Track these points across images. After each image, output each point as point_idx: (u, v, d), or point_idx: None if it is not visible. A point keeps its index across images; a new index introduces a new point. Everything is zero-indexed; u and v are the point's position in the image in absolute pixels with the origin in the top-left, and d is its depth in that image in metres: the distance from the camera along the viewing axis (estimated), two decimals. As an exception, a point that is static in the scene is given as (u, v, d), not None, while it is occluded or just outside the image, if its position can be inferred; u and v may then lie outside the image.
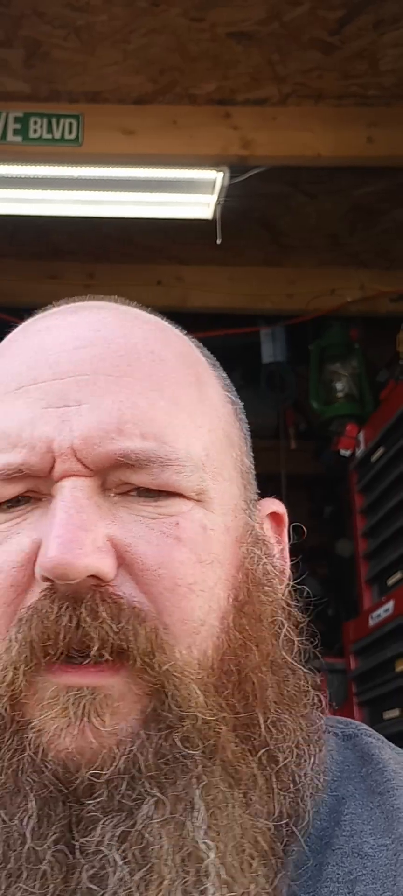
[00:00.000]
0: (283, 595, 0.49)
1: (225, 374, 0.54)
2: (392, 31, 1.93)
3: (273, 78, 2.07)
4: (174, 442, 0.44)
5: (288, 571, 0.52)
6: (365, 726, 0.52)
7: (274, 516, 0.53)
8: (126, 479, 0.44)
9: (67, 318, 0.50)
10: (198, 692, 0.41)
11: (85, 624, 0.41)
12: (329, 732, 0.51)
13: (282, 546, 0.53)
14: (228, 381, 0.54)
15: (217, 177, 2.20)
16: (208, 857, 0.39)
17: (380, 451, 2.34)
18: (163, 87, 2.10)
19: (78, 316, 0.49)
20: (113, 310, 0.51)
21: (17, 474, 0.44)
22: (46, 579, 0.42)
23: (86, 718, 0.40)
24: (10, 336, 0.51)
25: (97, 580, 0.42)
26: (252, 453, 0.53)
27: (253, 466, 0.53)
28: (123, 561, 0.43)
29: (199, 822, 0.39)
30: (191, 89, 2.10)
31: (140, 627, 0.41)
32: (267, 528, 0.52)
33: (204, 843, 0.39)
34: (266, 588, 0.47)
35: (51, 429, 0.44)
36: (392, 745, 0.51)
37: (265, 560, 0.48)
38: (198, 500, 0.45)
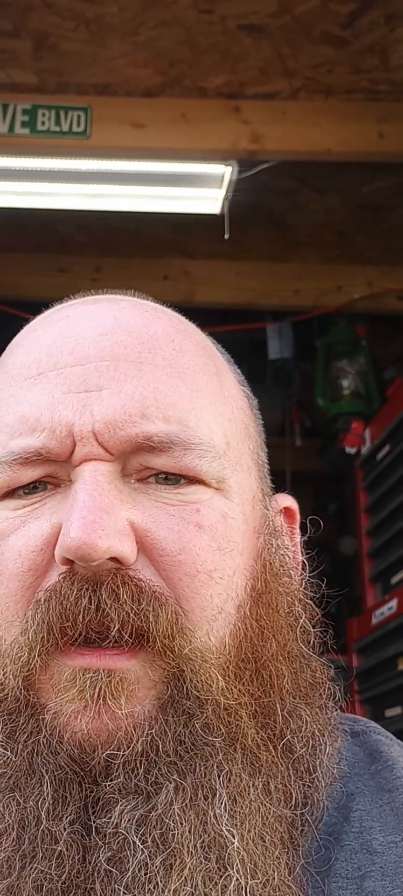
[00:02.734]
0: (299, 587, 0.49)
1: (239, 371, 0.55)
2: (404, 26, 1.91)
3: (283, 72, 2.06)
4: (197, 427, 0.45)
5: (298, 569, 0.52)
6: (374, 723, 0.52)
7: (287, 512, 0.54)
8: (147, 464, 0.44)
9: (88, 307, 0.50)
10: (219, 677, 0.41)
11: (105, 606, 0.41)
12: (337, 729, 0.50)
13: (294, 541, 0.53)
14: (243, 377, 0.55)
15: (225, 171, 2.19)
16: (232, 844, 0.39)
17: (386, 448, 2.33)
18: (173, 79, 2.09)
19: (98, 306, 0.50)
20: (131, 301, 0.52)
21: (35, 458, 0.44)
22: (66, 561, 0.42)
23: (101, 701, 0.40)
24: (30, 324, 0.52)
25: (117, 563, 0.42)
26: (265, 448, 0.54)
27: (267, 461, 0.53)
28: (143, 546, 0.43)
29: (222, 810, 0.40)
30: (200, 82, 2.09)
31: (161, 611, 0.41)
32: (280, 523, 0.53)
33: (228, 830, 0.39)
34: (283, 579, 0.47)
35: (71, 413, 0.44)
36: (401, 743, 0.51)
37: (282, 551, 0.49)
38: (218, 489, 0.45)
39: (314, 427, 3.06)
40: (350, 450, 2.60)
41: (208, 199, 2.33)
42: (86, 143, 2.12)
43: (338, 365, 2.87)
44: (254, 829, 0.40)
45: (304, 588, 0.50)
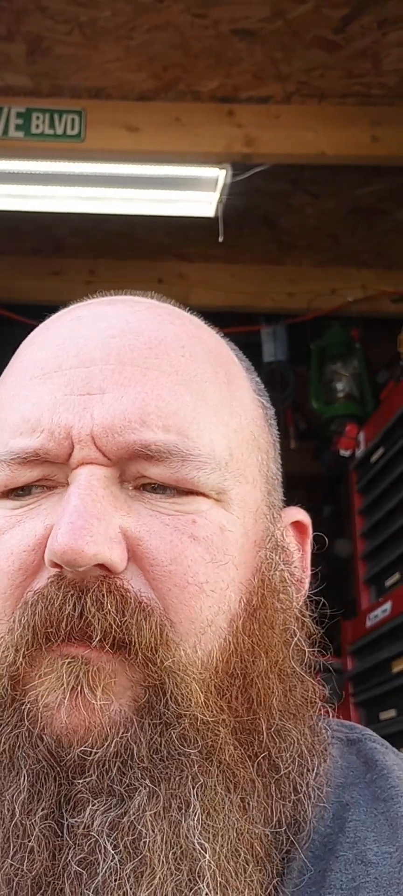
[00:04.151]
0: (298, 604, 0.48)
1: (258, 379, 0.54)
2: (396, 30, 1.92)
3: (276, 76, 2.07)
4: (197, 438, 0.44)
5: (307, 581, 0.51)
6: (370, 731, 0.51)
7: (298, 525, 0.53)
8: (144, 472, 0.43)
9: (102, 308, 0.49)
10: (199, 692, 0.41)
11: (88, 614, 0.40)
12: (332, 737, 0.50)
13: (304, 555, 0.52)
14: (261, 385, 0.54)
15: (219, 174, 2.20)
16: (203, 857, 0.39)
17: (380, 451, 2.34)
18: (167, 83, 2.09)
19: (111, 307, 0.49)
20: (148, 304, 0.51)
21: (33, 458, 0.44)
22: (55, 565, 0.41)
23: (78, 688, 0.40)
24: (44, 323, 0.51)
25: (105, 571, 0.41)
26: (280, 460, 0.53)
27: (279, 473, 0.52)
28: (134, 554, 0.42)
29: (195, 822, 0.39)
30: (194, 86, 2.10)
31: (145, 622, 0.41)
32: (290, 536, 0.52)
33: (200, 843, 0.39)
34: (281, 595, 0.47)
35: (71, 415, 0.43)
36: (396, 751, 0.50)
37: (282, 567, 0.48)
38: (218, 500, 0.44)
39: (309, 430, 3.07)
40: (345, 452, 2.60)
41: (202, 203, 2.34)
42: (81, 147, 2.12)
43: (332, 368, 2.88)
44: (228, 844, 0.40)
45: (304, 605, 0.49)
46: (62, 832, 0.39)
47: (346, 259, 2.86)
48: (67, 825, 0.39)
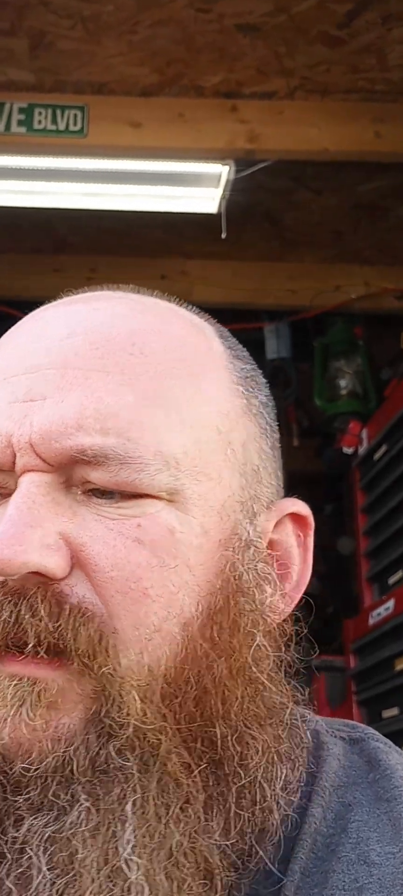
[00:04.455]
0: (274, 603, 0.46)
1: (247, 367, 0.51)
2: (401, 26, 1.91)
3: (280, 71, 2.06)
4: (139, 439, 0.42)
5: (307, 576, 0.49)
6: (372, 730, 0.51)
7: (295, 518, 0.50)
8: (86, 477, 0.43)
9: (64, 308, 0.49)
10: (136, 698, 0.40)
11: (23, 620, 0.40)
12: (335, 736, 0.50)
13: (305, 549, 0.50)
14: (250, 373, 0.51)
15: (222, 170, 2.19)
16: (135, 874, 0.38)
17: (383, 448, 2.34)
18: (170, 78, 2.08)
19: (72, 307, 0.48)
20: (113, 300, 0.49)
21: None
22: None
23: (22, 708, 0.40)
24: (13, 326, 0.51)
25: (44, 577, 0.41)
26: (271, 451, 0.50)
27: (269, 465, 0.50)
28: (78, 560, 0.42)
29: (128, 837, 0.39)
30: (197, 81, 2.09)
31: (83, 628, 0.40)
32: (289, 530, 0.49)
33: (131, 859, 0.38)
34: (249, 597, 0.44)
35: (12, 423, 0.43)
36: (400, 750, 0.49)
37: (256, 565, 0.45)
38: (171, 501, 0.43)
39: (311, 427, 3.06)
40: (348, 450, 2.60)
41: (205, 199, 2.33)
42: (83, 142, 2.12)
43: (336, 365, 2.87)
44: (164, 860, 0.39)
45: (299, 602, 0.47)
46: (4, 847, 0.39)
47: (349, 256, 2.85)
48: (9, 840, 0.39)
